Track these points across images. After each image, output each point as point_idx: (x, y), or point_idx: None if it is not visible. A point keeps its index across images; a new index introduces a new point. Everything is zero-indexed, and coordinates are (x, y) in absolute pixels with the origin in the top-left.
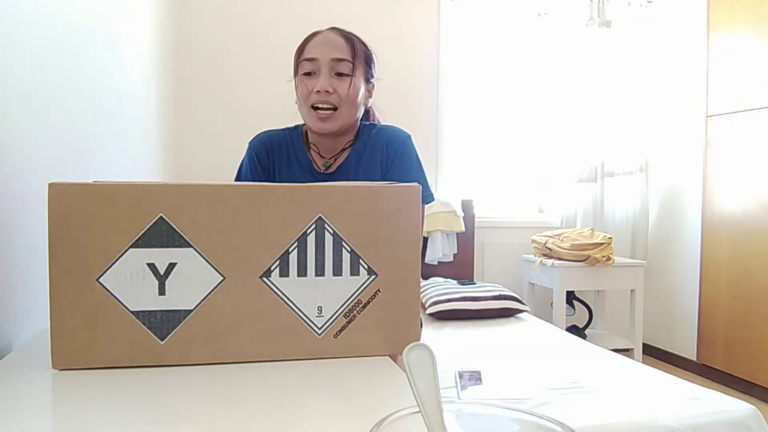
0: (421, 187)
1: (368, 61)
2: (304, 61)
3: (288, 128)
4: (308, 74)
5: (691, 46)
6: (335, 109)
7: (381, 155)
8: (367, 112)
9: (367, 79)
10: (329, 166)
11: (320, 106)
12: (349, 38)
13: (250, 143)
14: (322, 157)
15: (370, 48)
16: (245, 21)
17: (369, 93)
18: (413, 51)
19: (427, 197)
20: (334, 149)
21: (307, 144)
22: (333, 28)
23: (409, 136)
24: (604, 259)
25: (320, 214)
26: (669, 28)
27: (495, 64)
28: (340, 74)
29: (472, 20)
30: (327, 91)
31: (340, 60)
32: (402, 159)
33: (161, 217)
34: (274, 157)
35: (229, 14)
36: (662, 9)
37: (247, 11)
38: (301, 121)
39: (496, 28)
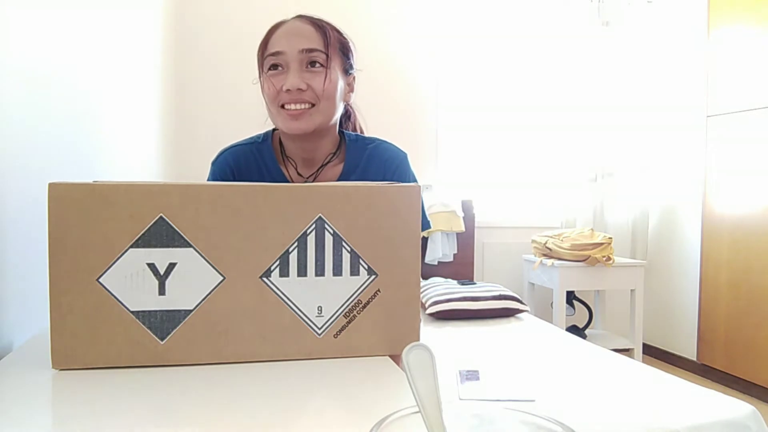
0: (420, 187)
1: (344, 50)
2: (268, 57)
3: (255, 139)
4: (275, 68)
5: (691, 45)
6: (312, 105)
7: (377, 177)
8: (347, 113)
9: (346, 71)
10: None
11: (291, 107)
12: (320, 25)
13: (212, 163)
14: (299, 175)
15: (345, 35)
16: (246, 22)
17: (350, 87)
18: (414, 50)
19: (425, 224)
20: (313, 164)
21: (281, 156)
22: (300, 16)
23: (406, 156)
24: (604, 259)
25: (320, 214)
26: (669, 28)
27: (495, 63)
28: (312, 67)
29: (472, 19)
30: (299, 89)
31: (311, 51)
32: (402, 181)
33: (161, 217)
34: (242, 179)
35: (229, 15)
36: (662, 9)
37: (248, 12)
38: (270, 126)
39: (495, 28)
